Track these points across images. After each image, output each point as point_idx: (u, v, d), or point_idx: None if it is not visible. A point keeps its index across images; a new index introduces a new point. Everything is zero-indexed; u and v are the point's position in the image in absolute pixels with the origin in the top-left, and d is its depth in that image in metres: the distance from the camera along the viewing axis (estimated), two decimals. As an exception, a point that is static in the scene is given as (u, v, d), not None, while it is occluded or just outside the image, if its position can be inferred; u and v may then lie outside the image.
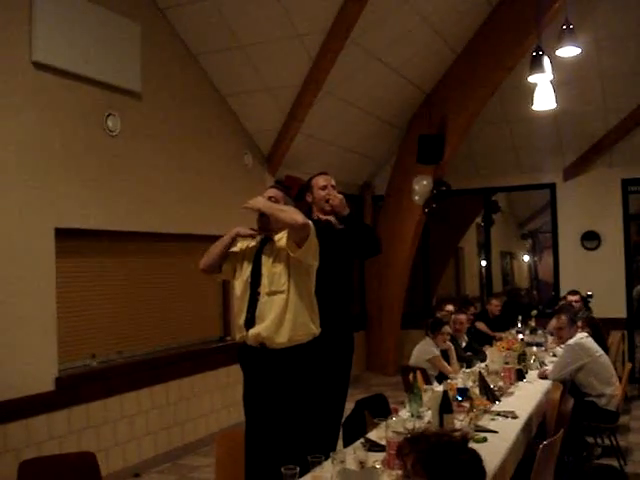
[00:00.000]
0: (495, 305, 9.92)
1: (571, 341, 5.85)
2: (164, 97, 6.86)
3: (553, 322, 8.49)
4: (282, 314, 3.73)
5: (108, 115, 6.11)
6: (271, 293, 3.76)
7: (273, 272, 3.78)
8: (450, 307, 8.51)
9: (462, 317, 7.70)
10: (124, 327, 6.42)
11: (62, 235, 5.62)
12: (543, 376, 5.84)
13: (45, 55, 5.45)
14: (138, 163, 6.47)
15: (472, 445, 3.40)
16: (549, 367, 5.98)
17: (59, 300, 5.58)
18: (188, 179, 7.15)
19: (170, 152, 6.91)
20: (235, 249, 3.96)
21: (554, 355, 6.81)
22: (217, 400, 7.35)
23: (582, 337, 5.86)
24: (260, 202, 3.83)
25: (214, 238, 7.29)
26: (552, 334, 8.10)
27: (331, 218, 4.38)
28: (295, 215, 3.69)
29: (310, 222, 3.71)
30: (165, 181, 6.81)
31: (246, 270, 3.89)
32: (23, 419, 5.12)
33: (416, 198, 9.95)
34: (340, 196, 4.43)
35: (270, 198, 3.87)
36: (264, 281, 3.78)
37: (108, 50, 6.06)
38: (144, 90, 6.50)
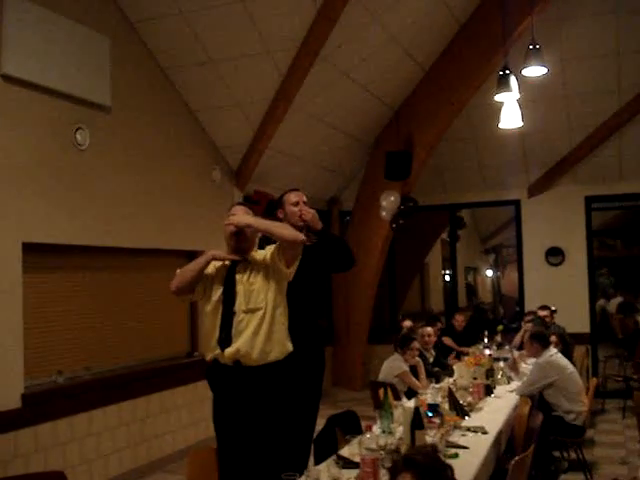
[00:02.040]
0: (459, 320, 9.99)
1: (540, 359, 5.92)
2: (133, 111, 6.82)
3: (518, 337, 8.62)
4: (259, 331, 3.71)
5: (77, 129, 6.05)
6: (248, 311, 3.73)
7: (250, 290, 3.75)
8: (408, 323, 8.57)
9: (430, 330, 7.75)
10: (91, 343, 6.34)
11: (29, 250, 5.54)
12: (514, 369, 5.95)
13: (14, 68, 5.39)
14: (107, 177, 6.41)
15: (445, 461, 3.47)
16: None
17: (26, 316, 5.49)
18: (157, 194, 7.10)
19: (139, 166, 6.87)
20: (207, 270, 3.89)
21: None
22: (185, 416, 7.29)
23: (552, 354, 5.93)
24: (249, 219, 3.81)
25: (183, 253, 7.30)
26: (517, 349, 8.20)
27: (302, 235, 4.39)
28: (293, 231, 3.73)
29: None
30: (134, 196, 6.76)
31: (216, 290, 3.82)
32: (-12, 436, 5.04)
33: (383, 214, 10.00)
34: (312, 211, 4.46)
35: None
36: (239, 299, 3.74)
37: (78, 63, 6.02)
38: (113, 104, 6.46)
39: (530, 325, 8.16)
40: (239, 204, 4.10)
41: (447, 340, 9.42)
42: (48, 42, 5.72)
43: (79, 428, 5.93)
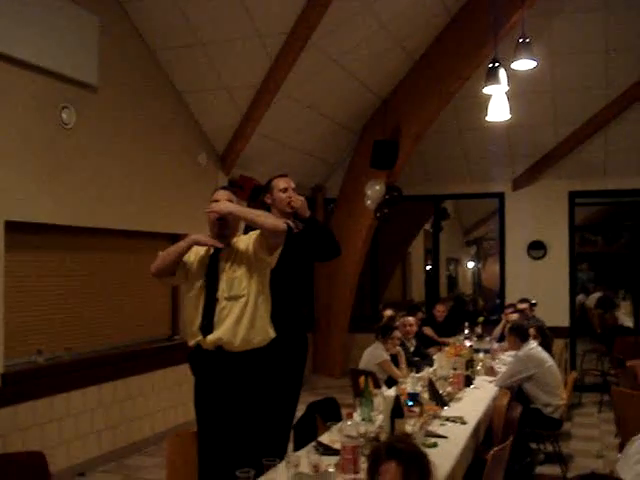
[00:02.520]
0: (440, 311, 10.02)
1: (520, 352, 5.96)
2: (120, 91, 6.77)
3: (498, 329, 8.67)
4: (242, 318, 3.71)
5: (63, 107, 6.00)
6: (230, 298, 3.71)
7: (233, 277, 3.73)
8: (389, 312, 8.59)
9: (411, 319, 7.78)
10: (72, 324, 6.32)
11: (12, 228, 5.50)
12: (491, 374, 5.99)
13: (0, 44, 5.32)
14: (92, 158, 6.37)
15: (423, 450, 3.49)
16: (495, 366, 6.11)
17: (6, 295, 5.46)
18: (141, 176, 7.06)
19: (124, 147, 6.82)
20: (189, 255, 3.86)
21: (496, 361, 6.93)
22: (164, 399, 7.28)
23: (532, 347, 5.97)
24: (230, 206, 3.77)
25: (166, 236, 7.26)
26: (498, 341, 8.26)
27: (290, 221, 4.38)
28: (275, 220, 3.70)
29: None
30: (118, 177, 6.72)
31: (199, 276, 3.80)
32: (-34, 415, 5.01)
33: (368, 202, 10.00)
34: (302, 198, 4.46)
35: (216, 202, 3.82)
36: (222, 286, 3.73)
37: (65, 41, 5.95)
38: (100, 83, 6.40)
39: (515, 316, 8.22)
40: (222, 188, 4.03)
41: (427, 330, 9.45)
42: (34, 18, 5.64)
43: (58, 408, 5.92)
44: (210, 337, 3.70)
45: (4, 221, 5.41)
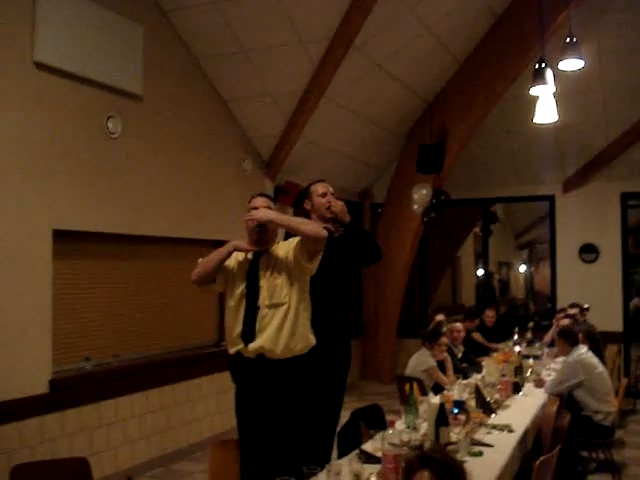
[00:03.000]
0: (489, 316, 9.87)
1: (570, 358, 5.83)
2: (165, 100, 6.84)
3: (549, 335, 8.51)
4: (283, 326, 3.69)
5: (109, 117, 6.09)
6: (272, 306, 3.70)
7: (274, 284, 3.72)
8: (440, 317, 8.48)
9: (459, 325, 7.69)
10: (120, 330, 6.39)
11: (60, 237, 5.59)
12: (539, 385, 5.84)
13: (47, 55, 5.43)
14: (138, 166, 6.45)
15: (468, 458, 3.43)
16: (544, 376, 5.98)
17: (55, 302, 5.55)
18: (187, 183, 7.13)
19: (170, 155, 6.89)
20: (229, 262, 3.86)
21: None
22: (211, 405, 7.32)
23: (582, 353, 5.83)
24: (270, 214, 3.76)
25: (212, 243, 7.32)
26: (549, 346, 8.10)
27: (330, 225, 4.36)
28: (316, 227, 3.68)
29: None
30: (164, 184, 6.79)
31: (239, 283, 3.80)
32: (16, 421, 5.08)
33: (415, 207, 9.93)
34: (341, 203, 4.43)
35: (255, 209, 3.81)
36: (263, 294, 3.71)
37: (110, 52, 6.05)
38: (145, 92, 6.48)
39: (566, 321, 8.05)
40: (260, 195, 4.01)
41: (477, 336, 9.32)
42: (81, 30, 5.75)
43: (106, 414, 5.98)
44: (252, 345, 3.69)
45: (52, 230, 5.50)
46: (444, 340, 6.76)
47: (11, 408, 5.03)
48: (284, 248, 3.79)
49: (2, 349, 5.04)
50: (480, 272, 14.65)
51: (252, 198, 3.96)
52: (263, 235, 3.75)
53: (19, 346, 5.18)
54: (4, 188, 5.12)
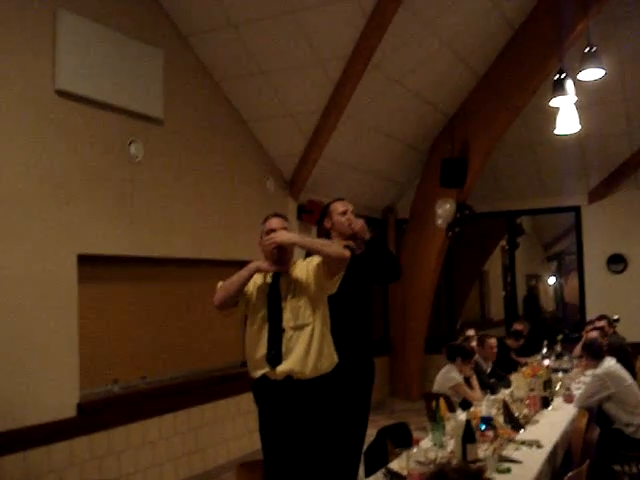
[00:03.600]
0: (518, 329, 9.76)
1: (599, 370, 5.74)
2: (186, 123, 6.90)
3: (579, 347, 8.39)
4: (310, 347, 3.69)
5: (131, 142, 6.15)
6: (297, 327, 3.69)
7: (298, 306, 3.71)
8: (471, 332, 8.41)
9: (494, 341, 7.62)
10: (147, 353, 6.42)
11: (84, 261, 5.64)
12: (569, 400, 5.76)
13: (68, 83, 5.51)
14: (160, 189, 6.50)
15: (495, 476, 3.38)
16: (574, 391, 5.89)
17: (81, 326, 5.59)
18: (210, 205, 7.17)
19: (192, 178, 6.94)
20: (247, 285, 3.84)
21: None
22: (239, 426, 7.31)
23: (611, 365, 5.74)
24: (293, 237, 3.78)
25: (237, 263, 7.34)
26: (579, 359, 7.99)
27: (350, 243, 4.36)
28: (340, 249, 3.69)
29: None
30: (187, 207, 6.83)
31: (260, 306, 3.79)
32: (44, 445, 5.12)
33: (439, 222, 9.90)
34: (361, 221, 4.43)
35: (273, 230, 3.80)
36: (287, 315, 3.71)
37: (131, 77, 6.12)
38: (166, 116, 6.55)
39: (594, 334, 7.95)
40: (275, 216, 3.99)
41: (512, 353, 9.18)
42: (101, 57, 5.83)
43: (134, 437, 6.00)
44: (280, 368, 3.67)
45: (77, 255, 5.56)
46: (474, 357, 6.71)
47: (39, 432, 5.07)
48: (303, 268, 3.78)
49: (29, 374, 5.08)
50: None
51: (266, 219, 3.95)
52: (282, 256, 3.76)
53: (46, 370, 5.23)
54: (29, 215, 5.19)
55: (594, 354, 5.88)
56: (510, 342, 9.11)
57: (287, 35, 6.78)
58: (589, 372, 6.47)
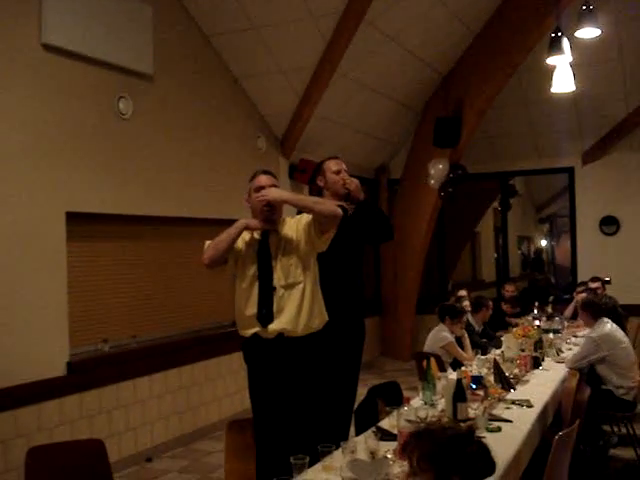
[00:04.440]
0: (509, 290, 9.79)
1: (594, 333, 5.74)
2: (176, 79, 6.79)
3: (570, 309, 8.42)
4: (302, 305, 3.65)
5: (119, 98, 6.05)
6: (288, 286, 3.65)
7: (288, 264, 3.66)
8: (463, 292, 8.43)
9: (490, 304, 7.68)
10: (137, 312, 6.39)
11: (73, 219, 5.58)
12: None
13: (55, 37, 5.38)
14: (150, 146, 6.41)
15: (486, 434, 3.38)
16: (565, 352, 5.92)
17: (70, 285, 5.55)
18: (200, 162, 7.09)
19: (182, 135, 6.84)
20: (236, 243, 3.77)
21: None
22: (230, 385, 7.33)
23: (606, 328, 5.73)
24: (284, 194, 3.73)
25: (228, 222, 7.27)
26: (569, 320, 8.02)
27: (344, 204, 4.30)
28: (332, 206, 3.64)
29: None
30: (177, 164, 6.75)
31: (250, 264, 3.72)
32: (34, 404, 5.11)
33: (432, 182, 9.84)
34: (356, 180, 4.38)
35: (262, 188, 3.72)
36: (277, 274, 3.65)
37: (119, 32, 5.99)
38: (156, 72, 6.43)
39: (584, 295, 7.97)
40: (263, 172, 3.88)
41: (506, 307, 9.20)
42: (89, 11, 5.70)
43: (124, 395, 6.00)
44: (272, 326, 3.64)
45: (65, 212, 5.49)
46: (464, 317, 6.72)
47: (29, 391, 5.05)
48: (293, 226, 3.73)
49: (19, 332, 5.05)
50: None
51: (254, 176, 3.85)
52: (272, 214, 3.69)
53: (35, 329, 5.20)
54: (16, 172, 5.11)
55: (594, 312, 5.86)
56: (506, 307, 9.13)
57: (279, -11, 6.65)
58: (581, 333, 6.49)
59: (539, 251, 15.82)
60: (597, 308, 5.93)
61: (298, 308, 3.65)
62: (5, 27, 5.08)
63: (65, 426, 5.36)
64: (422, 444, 2.19)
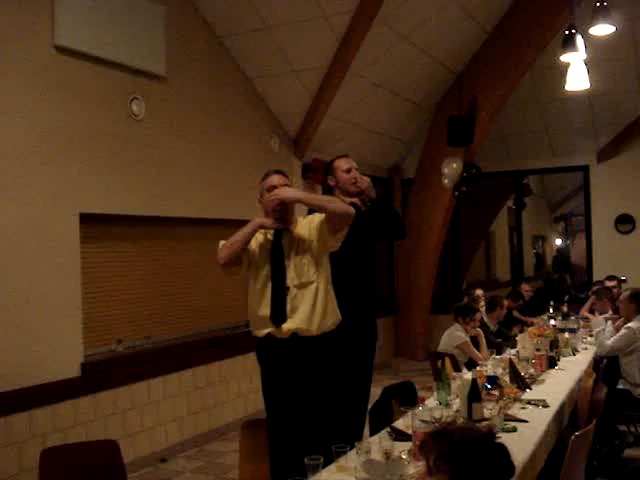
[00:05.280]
0: (525, 290, 9.75)
1: (634, 324, 5.68)
2: (189, 80, 6.79)
3: (585, 307, 8.36)
4: (316, 304, 3.64)
5: (132, 99, 6.05)
6: (301, 285, 3.64)
7: (302, 263, 3.65)
8: (479, 292, 8.39)
9: (504, 302, 7.63)
10: (151, 312, 6.39)
11: (87, 220, 5.59)
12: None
13: (68, 39, 5.39)
14: (163, 147, 6.42)
15: (501, 435, 3.35)
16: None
17: (84, 285, 5.56)
18: (214, 163, 7.09)
19: (195, 136, 6.84)
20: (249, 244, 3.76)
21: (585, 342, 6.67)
22: (244, 385, 7.32)
23: None
24: (298, 193, 3.75)
25: (241, 222, 7.27)
26: (585, 319, 7.96)
27: (356, 200, 4.28)
28: (344, 205, 3.63)
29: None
30: (190, 165, 6.76)
31: (263, 264, 3.71)
32: (49, 405, 5.12)
33: (446, 181, 9.81)
34: (367, 179, 4.35)
35: (274, 187, 3.71)
36: (290, 274, 3.65)
37: (132, 33, 6.00)
38: (169, 73, 6.44)
39: (594, 297, 7.95)
40: (275, 172, 3.87)
41: (516, 313, 9.18)
42: (102, 12, 5.70)
43: (139, 396, 6.01)
44: (286, 326, 3.62)
45: (79, 213, 5.50)
46: (478, 316, 6.68)
47: (43, 392, 5.07)
48: (306, 226, 3.72)
49: (33, 334, 5.06)
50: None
51: (266, 176, 3.84)
52: (284, 214, 3.68)
53: (50, 330, 5.21)
54: (30, 173, 5.12)
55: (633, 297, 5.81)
56: (508, 302, 9.08)
57: (291, -11, 6.64)
58: (597, 329, 6.43)
59: (562, 250, 15.88)
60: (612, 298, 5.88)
61: (312, 307, 3.64)
62: (18, 29, 5.09)
63: (79, 427, 5.36)
64: (440, 444, 2.17)
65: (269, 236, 3.75)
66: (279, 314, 3.64)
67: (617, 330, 6.08)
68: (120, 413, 5.78)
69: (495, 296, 8.16)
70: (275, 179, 3.78)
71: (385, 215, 4.37)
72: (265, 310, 3.67)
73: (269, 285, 3.68)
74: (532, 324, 7.44)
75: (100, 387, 5.59)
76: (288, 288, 3.64)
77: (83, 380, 5.43)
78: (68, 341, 5.37)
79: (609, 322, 6.41)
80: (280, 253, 3.69)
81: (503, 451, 2.20)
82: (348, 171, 4.31)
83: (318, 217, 3.67)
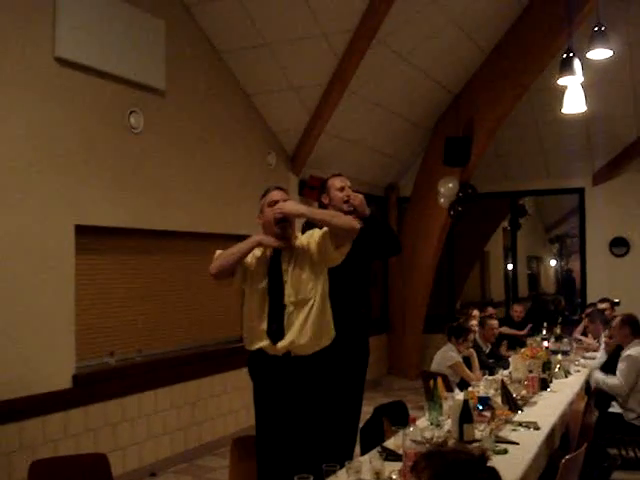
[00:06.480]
0: (517, 311, 9.77)
1: (633, 352, 5.65)
2: (188, 95, 6.82)
3: (578, 330, 8.37)
4: (312, 322, 3.62)
5: (131, 112, 6.07)
6: (299, 302, 3.62)
7: (300, 280, 3.63)
8: (476, 312, 8.40)
9: (495, 323, 7.63)
10: (143, 326, 6.38)
11: (82, 232, 5.59)
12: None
13: (68, 51, 5.42)
14: (160, 161, 6.43)
15: (492, 456, 3.34)
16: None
17: (78, 297, 5.55)
18: (211, 178, 7.10)
19: (193, 151, 6.86)
20: (246, 257, 3.74)
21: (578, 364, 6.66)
22: (235, 401, 7.29)
23: None
24: (301, 208, 3.71)
25: (236, 237, 7.28)
26: (578, 341, 7.97)
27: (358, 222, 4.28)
28: (349, 220, 3.63)
29: None
30: (187, 180, 6.77)
31: (261, 279, 3.70)
32: (39, 416, 5.10)
33: (442, 200, 9.83)
34: (360, 196, 4.35)
35: (276, 202, 3.71)
36: (288, 290, 3.63)
37: (132, 47, 6.02)
38: (168, 88, 6.47)
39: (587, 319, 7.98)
40: (277, 188, 3.88)
41: (504, 329, 9.19)
42: (102, 25, 5.73)
43: (130, 409, 5.98)
44: (282, 343, 3.60)
45: (74, 225, 5.50)
46: (471, 337, 6.68)
47: (34, 403, 5.05)
48: (305, 242, 3.70)
49: (25, 345, 5.05)
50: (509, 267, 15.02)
51: (267, 192, 3.84)
52: (286, 229, 3.66)
53: (42, 341, 5.19)
54: (26, 183, 5.13)
55: (636, 330, 5.76)
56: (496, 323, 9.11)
57: (292, 6, 6.68)
58: (588, 354, 6.43)
59: (570, 270, 15.93)
60: (638, 326, 5.83)
61: (308, 325, 3.61)
62: (19, 41, 5.12)
63: (70, 439, 5.34)
64: (433, 465, 2.15)
65: (268, 252, 3.74)
66: (277, 330, 3.62)
67: (609, 353, 6.07)
68: (111, 426, 5.76)
69: (485, 315, 8.18)
70: (276, 194, 3.78)
71: (379, 230, 4.38)
72: (262, 325, 3.65)
73: (266, 301, 3.66)
74: (524, 337, 7.46)
75: (91, 399, 5.57)
76: (285, 305, 3.62)
77: (74, 392, 5.41)
78: (60, 352, 5.35)
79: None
80: (278, 269, 3.67)
81: (495, 476, 2.19)
82: (341, 189, 4.31)
83: (318, 232, 3.65)
